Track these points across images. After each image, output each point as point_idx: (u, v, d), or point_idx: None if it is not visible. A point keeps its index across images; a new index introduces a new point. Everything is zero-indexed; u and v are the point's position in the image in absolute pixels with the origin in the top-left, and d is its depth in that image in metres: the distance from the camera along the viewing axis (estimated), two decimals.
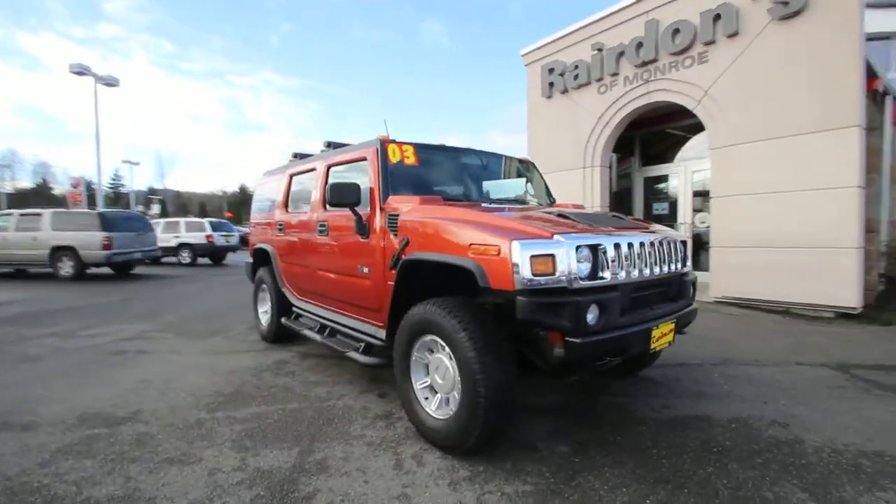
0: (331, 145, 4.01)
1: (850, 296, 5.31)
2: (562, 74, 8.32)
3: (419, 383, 2.66)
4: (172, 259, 15.41)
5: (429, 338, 2.54)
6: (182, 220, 16.09)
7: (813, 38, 5.38)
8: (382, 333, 3.00)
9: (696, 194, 8.05)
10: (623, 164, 9.41)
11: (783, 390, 3.27)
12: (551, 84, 8.53)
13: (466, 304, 2.42)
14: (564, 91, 8.34)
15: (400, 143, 3.25)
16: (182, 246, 15.26)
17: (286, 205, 4.47)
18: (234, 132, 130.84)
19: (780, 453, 2.40)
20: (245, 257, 5.63)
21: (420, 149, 3.34)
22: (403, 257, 2.69)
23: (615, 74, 7.51)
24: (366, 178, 3.22)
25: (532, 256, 2.08)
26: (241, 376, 3.76)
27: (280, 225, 4.44)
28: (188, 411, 3.06)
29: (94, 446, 2.58)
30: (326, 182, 3.72)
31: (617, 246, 2.34)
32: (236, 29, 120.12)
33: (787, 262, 5.64)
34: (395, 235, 2.80)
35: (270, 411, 3.04)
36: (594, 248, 2.25)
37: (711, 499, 2.02)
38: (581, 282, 2.18)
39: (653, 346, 2.46)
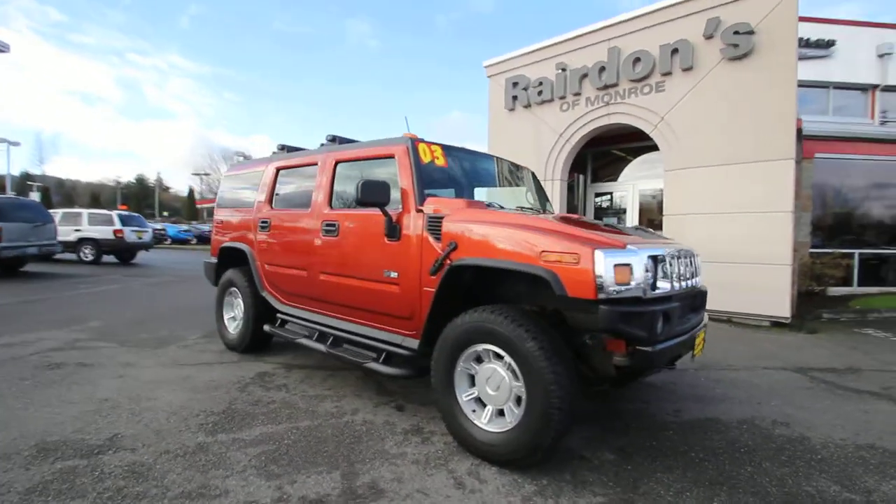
0: (335, 140, 3.73)
1: (784, 307, 6.06)
2: (525, 89, 8.60)
3: (465, 395, 2.53)
4: (70, 256, 13.38)
5: (481, 347, 2.43)
6: (84, 212, 14.03)
7: (757, 79, 6.11)
8: (413, 343, 2.81)
9: (642, 211, 8.73)
10: (570, 177, 9.94)
11: (766, 392, 3.61)
12: (515, 97, 8.78)
13: (526, 313, 2.35)
14: (528, 105, 8.62)
15: (429, 143, 3.11)
16: (84, 241, 13.29)
17: (271, 201, 4.06)
18: (131, 117, 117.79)
19: (797, 450, 2.63)
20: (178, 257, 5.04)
21: (445, 150, 3.22)
22: (450, 262, 2.55)
23: (577, 94, 7.92)
24: (385, 176, 3.03)
25: (616, 265, 2.08)
26: (226, 392, 3.32)
27: (263, 222, 4.02)
28: (180, 435, 2.63)
29: (76, 482, 2.11)
30: (333, 178, 3.45)
31: (672, 257, 2.42)
32: (136, 2, 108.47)
33: (730, 276, 6.29)
34: (438, 239, 2.66)
35: (282, 431, 2.71)
36: (655, 259, 2.31)
37: (765, 497, 2.15)
38: (651, 291, 2.22)
39: (695, 352, 2.58)
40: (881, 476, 2.35)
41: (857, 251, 8.86)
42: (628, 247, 2.19)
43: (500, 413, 2.42)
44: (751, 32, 6.08)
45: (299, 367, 3.98)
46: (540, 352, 2.17)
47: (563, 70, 8.04)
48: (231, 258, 4.59)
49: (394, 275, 2.88)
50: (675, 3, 6.69)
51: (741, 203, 6.31)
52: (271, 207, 4.04)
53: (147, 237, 14.19)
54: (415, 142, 3.03)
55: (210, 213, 47.93)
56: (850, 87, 12.20)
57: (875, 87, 12.33)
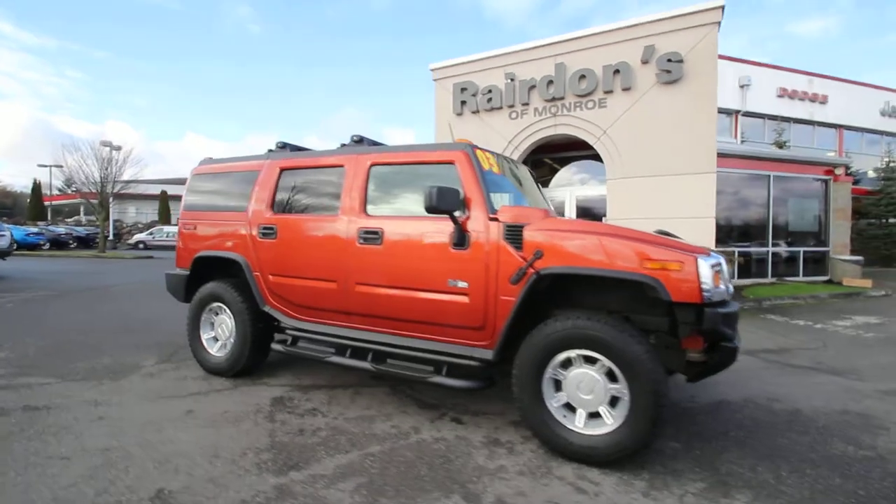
0: (363, 140, 3.48)
1: None
2: (474, 95, 8.82)
3: (554, 402, 2.57)
4: None
5: (574, 353, 2.50)
6: None
7: (685, 102, 7.06)
8: (486, 353, 2.77)
9: (579, 215, 9.50)
10: None
11: (740, 374, 4.22)
12: (463, 102, 8.95)
13: (623, 320, 2.48)
14: (476, 112, 8.85)
15: (483, 150, 3.09)
16: None
17: (272, 205, 3.64)
18: None
19: (801, 420, 3.14)
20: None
21: (495, 156, 3.22)
22: (536, 271, 2.57)
23: (526, 104, 8.36)
24: (437, 181, 2.94)
25: (715, 272, 2.31)
26: (254, 424, 2.92)
27: (266, 229, 3.59)
28: (244, 479, 2.27)
29: None
30: (367, 182, 3.23)
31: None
32: None
33: None
34: (519, 248, 2.66)
35: (358, 460, 2.48)
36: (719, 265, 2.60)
37: (814, 462, 2.55)
38: (728, 293, 2.50)
39: None
40: (871, 434, 2.94)
41: (736, 249, 10.68)
42: (712, 254, 2.44)
43: (593, 416, 2.52)
44: (680, 61, 7.01)
45: (314, 387, 3.64)
46: (646, 355, 2.31)
47: (512, 80, 8.42)
48: (210, 269, 4.01)
49: (462, 284, 2.80)
50: (616, 29, 7.43)
51: (673, 210, 7.23)
52: (273, 212, 3.62)
53: (4, 242, 11.50)
54: (473, 147, 2.99)
55: (63, 211, 40.26)
56: (719, 111, 14.64)
57: (737, 112, 15.04)
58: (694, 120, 7.01)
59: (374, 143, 3.51)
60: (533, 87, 8.23)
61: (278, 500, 2.10)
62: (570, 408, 2.57)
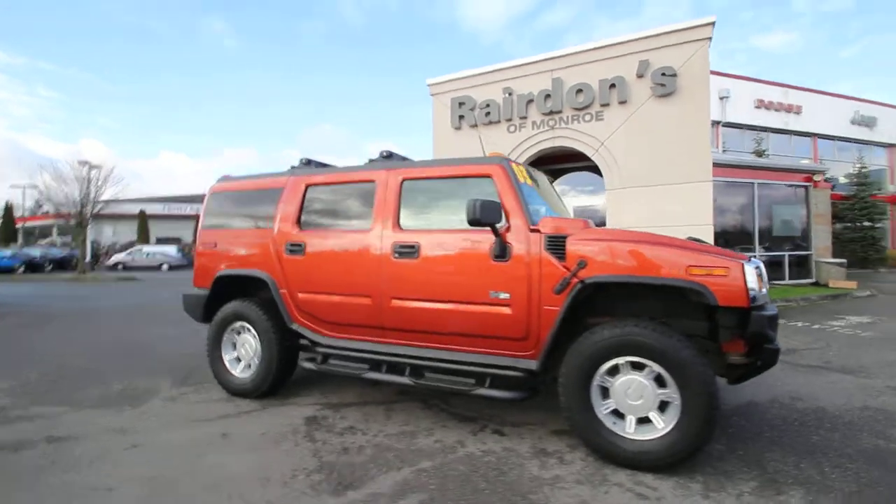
0: (392, 156, 3.51)
1: None
2: (472, 109, 8.96)
3: (603, 409, 2.60)
4: None
5: (622, 360, 2.54)
6: None
7: (680, 114, 7.31)
8: (530, 363, 2.79)
9: None
10: None
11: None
12: (461, 117, 9.07)
13: (665, 325, 2.54)
14: (474, 125, 8.98)
15: (516, 162, 3.15)
16: None
17: (299, 221, 3.63)
18: None
19: (828, 418, 3.24)
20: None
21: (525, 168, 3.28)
22: (580, 280, 2.62)
23: (524, 118, 8.53)
24: (474, 195, 2.99)
25: (758, 276, 2.39)
26: (294, 444, 2.87)
27: (294, 246, 3.56)
28: (301, 502, 2.22)
29: None
30: (400, 197, 3.25)
31: None
32: None
33: None
34: (561, 258, 2.70)
35: (412, 477, 2.46)
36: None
37: (851, 457, 2.62)
38: (767, 298, 2.59)
39: None
40: (895, 427, 3.05)
41: None
42: (752, 259, 2.53)
43: (642, 421, 2.55)
44: (674, 75, 7.28)
45: (344, 405, 3.59)
46: (697, 359, 2.37)
47: (510, 94, 8.59)
48: (231, 289, 3.95)
49: (504, 296, 2.83)
50: (611, 44, 7.67)
51: (671, 217, 7.42)
52: (301, 228, 3.61)
53: None
54: (508, 161, 3.04)
55: (34, 233, 38.87)
56: None
57: (718, 123, 15.61)
58: (689, 131, 7.26)
59: (403, 159, 3.54)
60: (531, 101, 8.41)
61: None
62: (618, 414, 2.60)
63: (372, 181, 3.39)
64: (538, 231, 2.79)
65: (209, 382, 4.16)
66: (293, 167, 3.92)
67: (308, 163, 3.87)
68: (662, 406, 2.50)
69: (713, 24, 7.10)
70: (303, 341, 3.66)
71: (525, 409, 3.39)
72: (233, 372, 3.85)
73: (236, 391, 3.77)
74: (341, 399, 3.71)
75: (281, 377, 3.70)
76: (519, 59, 8.48)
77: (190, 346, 5.74)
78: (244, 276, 3.82)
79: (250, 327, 3.77)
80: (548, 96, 8.21)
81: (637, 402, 2.53)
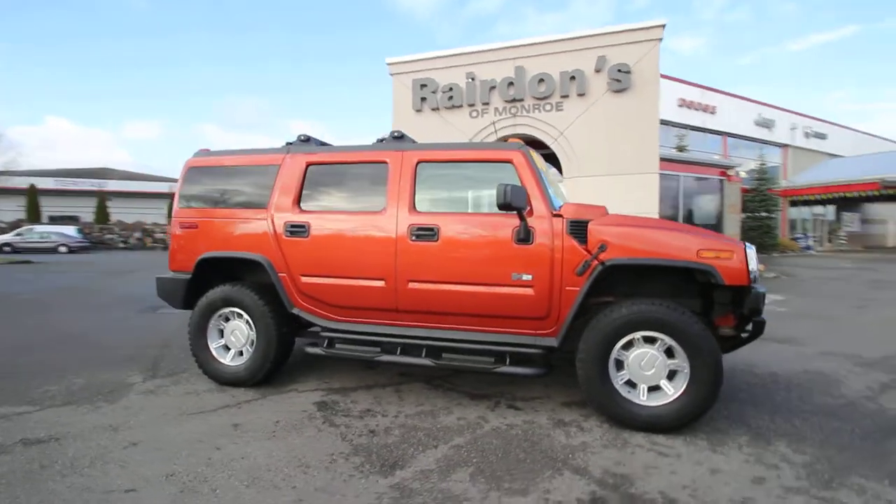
0: (403, 137, 3.44)
1: None
2: (434, 92, 8.90)
3: (619, 380, 2.83)
4: None
5: (639, 335, 2.78)
6: None
7: (633, 109, 7.84)
8: (550, 341, 2.95)
9: None
10: None
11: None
12: (423, 99, 8.98)
13: (675, 303, 2.81)
14: (436, 109, 8.94)
15: (531, 149, 3.24)
16: None
17: (299, 201, 3.46)
18: None
19: (784, 381, 3.77)
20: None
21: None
22: (601, 262, 2.81)
23: (487, 104, 8.65)
24: (493, 179, 3.07)
25: (757, 258, 2.72)
26: (316, 430, 2.81)
27: (295, 227, 3.39)
28: (351, 484, 2.22)
29: None
30: (415, 179, 3.23)
31: None
32: None
33: None
34: (583, 242, 2.87)
35: (451, 453, 2.52)
36: None
37: (828, 411, 3.11)
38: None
39: None
40: (834, 386, 3.62)
41: None
42: (746, 244, 2.87)
43: (652, 389, 2.82)
44: (629, 72, 7.77)
45: (349, 389, 3.54)
46: (705, 332, 2.66)
47: (473, 80, 8.65)
48: (213, 272, 3.69)
49: (527, 277, 2.94)
50: (572, 38, 7.99)
51: (623, 207, 7.96)
52: (300, 209, 3.44)
53: None
54: (528, 147, 3.13)
55: None
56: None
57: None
58: (640, 125, 7.82)
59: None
60: (493, 87, 8.54)
61: (405, 498, 2.09)
62: (630, 384, 2.85)
63: (384, 162, 3.31)
64: (561, 216, 2.93)
65: (185, 373, 3.89)
66: (289, 143, 3.70)
67: (307, 140, 3.67)
68: (671, 375, 2.78)
69: (664, 26, 7.65)
70: (313, 329, 3.52)
71: (528, 386, 3.57)
72: (222, 360, 3.61)
73: (227, 380, 3.56)
74: (343, 384, 3.65)
75: (277, 364, 3.55)
76: (482, 45, 8.55)
77: (132, 334, 5.32)
78: (235, 259, 3.58)
79: (242, 313, 3.55)
80: (511, 84, 8.39)
81: (649, 372, 2.79)
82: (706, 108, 19.26)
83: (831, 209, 24.17)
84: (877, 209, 25.35)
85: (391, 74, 9.28)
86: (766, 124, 21.45)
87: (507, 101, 8.52)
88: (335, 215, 3.37)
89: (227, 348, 3.66)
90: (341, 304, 3.35)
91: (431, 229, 3.12)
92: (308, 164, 3.49)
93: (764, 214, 18.95)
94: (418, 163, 3.25)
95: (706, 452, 2.54)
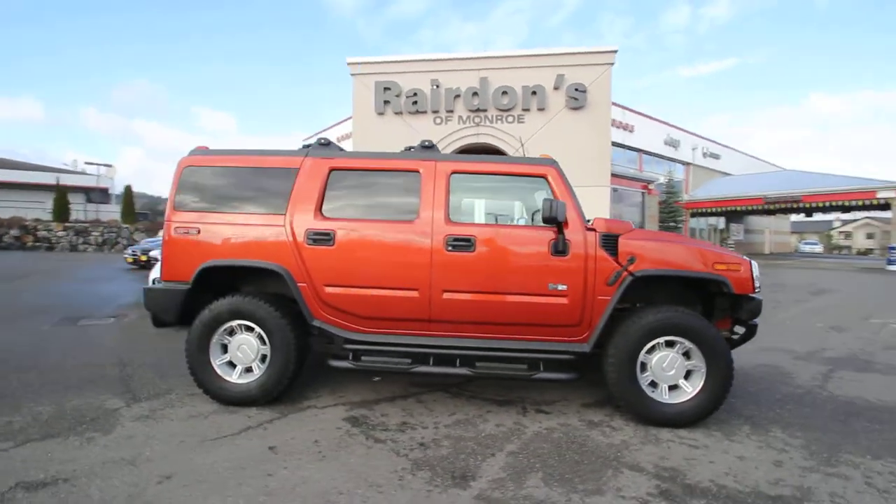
0: (433, 147, 3.43)
1: None
2: (398, 96, 8.85)
3: (644, 381, 3.10)
4: None
5: (663, 339, 3.07)
6: None
7: (588, 126, 8.45)
8: (583, 346, 3.14)
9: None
10: None
11: None
12: (386, 102, 8.89)
13: (691, 310, 3.14)
14: (400, 113, 8.90)
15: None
16: None
17: (321, 208, 3.32)
18: None
19: (749, 375, 4.34)
20: None
21: None
22: (630, 273, 3.06)
23: (451, 111, 8.79)
24: (525, 192, 3.22)
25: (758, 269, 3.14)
26: (365, 448, 2.73)
27: (319, 235, 3.24)
28: (433, 499, 2.21)
29: None
30: (448, 190, 3.26)
31: None
32: None
33: None
34: (614, 255, 3.10)
35: (511, 460, 2.60)
36: None
37: (796, 399, 3.64)
38: None
39: None
40: (790, 377, 4.25)
41: None
42: (750, 259, 3.29)
43: (671, 388, 3.12)
44: (584, 91, 8.37)
45: (371, 402, 3.45)
46: (719, 335, 3.02)
47: (438, 87, 8.74)
48: (211, 283, 3.41)
49: (562, 287, 3.11)
50: (534, 55, 8.43)
51: None
52: (323, 216, 3.30)
53: None
54: (557, 163, 3.31)
55: None
56: None
57: None
58: (594, 142, 8.46)
59: (434, 147, 3.52)
60: (458, 96, 8.70)
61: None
62: (652, 384, 3.13)
63: (416, 171, 3.29)
64: (594, 230, 3.14)
65: (171, 393, 3.55)
66: (307, 146, 3.51)
67: (327, 144, 3.51)
68: (688, 375, 3.11)
69: (616, 52, 8.36)
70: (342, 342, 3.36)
71: (543, 390, 3.74)
72: (228, 378, 3.33)
73: (235, 400, 3.28)
74: (362, 397, 3.54)
75: (293, 379, 3.35)
76: (447, 53, 8.68)
77: (68, 352, 4.76)
78: (246, 268, 3.33)
79: (253, 326, 3.31)
80: (475, 94, 8.62)
81: (670, 373, 3.09)
82: (626, 127, 21.19)
83: (722, 220, 27.80)
84: (757, 221, 29.66)
85: (352, 74, 9.06)
86: (674, 144, 24.16)
87: (471, 111, 8.74)
88: (364, 223, 3.28)
89: (231, 365, 3.38)
90: (370, 315, 3.26)
91: (468, 240, 3.17)
92: (331, 169, 3.35)
93: (672, 224, 21.28)
94: (452, 173, 3.28)
95: (725, 442, 2.88)
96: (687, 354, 3.08)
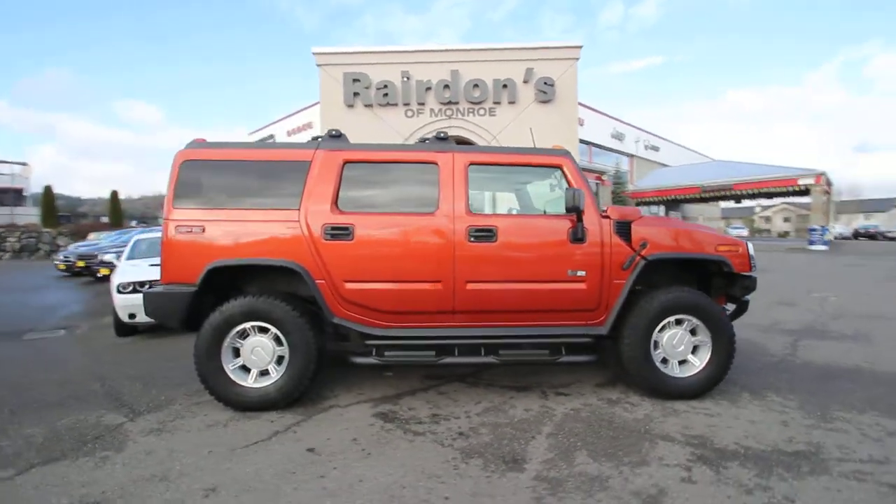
0: (447, 138, 3.41)
1: None
2: (367, 88, 8.67)
3: (656, 357, 3.30)
4: None
5: (673, 318, 3.28)
6: None
7: (556, 119, 8.72)
8: (601, 329, 3.28)
9: None
10: None
11: None
12: (356, 94, 8.68)
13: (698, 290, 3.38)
14: (370, 105, 8.73)
15: None
16: None
17: (336, 201, 3.22)
18: None
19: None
20: None
21: None
22: (643, 257, 3.24)
23: (422, 104, 8.75)
24: (540, 183, 3.32)
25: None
26: (407, 441, 2.73)
27: (337, 229, 3.15)
28: (497, 485, 2.26)
29: None
30: (467, 181, 3.28)
31: None
32: None
33: None
34: (628, 240, 3.26)
35: (553, 442, 2.70)
36: None
37: (778, 367, 4.00)
38: None
39: None
40: (765, 349, 4.67)
41: None
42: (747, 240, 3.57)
43: (681, 363, 3.35)
44: (553, 85, 8.62)
45: (392, 397, 3.42)
46: (724, 313, 3.28)
47: (408, 79, 8.65)
48: (220, 283, 3.24)
49: (581, 273, 3.23)
50: (504, 48, 8.55)
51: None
52: (339, 210, 3.21)
53: None
54: (570, 154, 3.41)
55: None
56: None
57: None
58: (563, 135, 8.74)
59: (464, 142, 3.52)
60: (429, 88, 8.67)
61: (557, 487, 2.21)
62: (664, 361, 3.34)
63: (433, 163, 3.28)
64: (608, 217, 3.28)
65: (174, 404, 3.37)
66: (317, 138, 3.39)
67: (339, 136, 3.40)
68: (694, 350, 3.34)
69: (580, 47, 8.65)
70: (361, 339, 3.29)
71: (554, 373, 3.87)
72: (243, 383, 3.17)
73: (252, 405, 3.14)
74: (383, 393, 3.50)
75: (313, 380, 3.25)
76: (418, 45, 8.64)
77: (26, 370, 4.40)
78: (250, 268, 3.18)
79: (269, 327, 3.17)
80: (446, 86, 8.62)
81: (679, 349, 3.31)
82: (578, 121, 22.02)
83: (663, 209, 29.66)
84: (692, 208, 31.88)
85: (318, 65, 8.74)
86: (619, 137, 25.39)
87: (442, 104, 8.74)
88: (384, 217, 3.22)
89: (244, 369, 3.22)
90: (392, 309, 3.23)
91: (490, 230, 3.21)
92: (345, 162, 3.26)
93: None
94: (469, 164, 3.29)
95: (734, 409, 3.13)
96: (694, 331, 3.31)
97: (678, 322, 3.30)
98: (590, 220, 3.25)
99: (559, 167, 3.34)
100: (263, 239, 3.17)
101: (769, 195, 23.06)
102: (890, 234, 32.45)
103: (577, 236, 3.21)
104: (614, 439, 2.69)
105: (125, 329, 5.80)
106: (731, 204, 32.30)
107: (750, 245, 3.44)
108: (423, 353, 3.24)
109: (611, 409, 3.14)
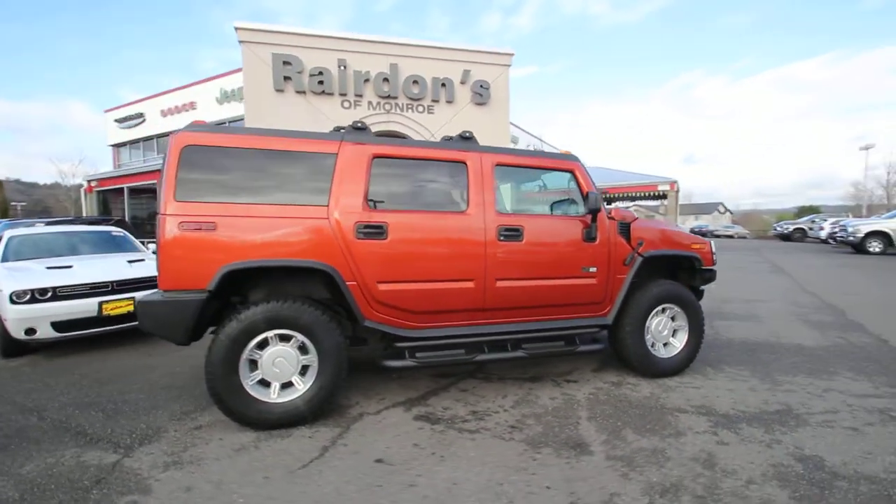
0: (472, 138, 3.43)
1: None
2: (300, 73, 8.07)
3: (649, 343, 3.77)
4: None
5: (660, 307, 3.78)
6: None
7: (491, 121, 9.11)
8: (607, 320, 3.63)
9: None
10: None
11: None
12: (287, 78, 8.02)
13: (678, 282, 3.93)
14: (303, 92, 8.14)
15: None
16: None
17: (366, 198, 3.06)
18: None
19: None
20: None
21: None
22: (642, 254, 3.67)
23: (360, 96, 8.43)
24: (552, 185, 3.57)
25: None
26: (468, 440, 2.75)
27: (370, 228, 3.00)
28: (580, 470, 2.43)
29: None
30: (494, 181, 3.37)
31: None
32: None
33: None
34: (628, 239, 3.66)
35: (594, 424, 2.95)
36: None
37: (752, 349, 4.81)
38: None
39: None
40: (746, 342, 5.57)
41: None
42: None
43: (664, 345, 3.88)
44: (488, 88, 8.98)
45: (417, 399, 3.37)
46: (697, 303, 3.88)
47: (345, 68, 8.26)
48: (246, 286, 2.88)
49: (592, 269, 3.54)
50: (443, 48, 8.65)
51: None
52: (371, 207, 3.05)
53: None
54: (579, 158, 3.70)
55: None
56: None
57: None
58: (496, 138, 9.16)
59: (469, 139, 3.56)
60: (367, 80, 8.39)
61: (630, 462, 2.45)
62: (652, 345, 3.84)
63: (462, 162, 3.29)
64: (613, 218, 3.64)
65: (169, 432, 2.91)
66: (340, 129, 3.13)
67: (363, 128, 3.18)
68: (675, 332, 3.90)
69: (513, 55, 9.16)
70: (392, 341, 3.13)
71: (555, 364, 4.15)
72: (266, 399, 2.84)
73: (277, 422, 2.84)
74: (406, 395, 3.41)
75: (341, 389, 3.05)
76: (356, 34, 8.24)
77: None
78: (266, 270, 2.86)
79: (293, 334, 2.88)
80: (385, 80, 8.44)
81: (664, 333, 3.84)
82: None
83: None
84: None
85: (241, 41, 7.87)
86: (514, 141, 27.24)
87: (381, 97, 8.53)
88: (417, 215, 3.14)
89: (263, 383, 2.88)
90: (425, 309, 3.17)
91: (517, 229, 3.34)
92: (374, 157, 3.09)
93: None
94: (496, 165, 3.38)
95: (709, 381, 3.73)
96: (674, 318, 3.86)
97: (663, 310, 3.82)
98: (600, 220, 3.58)
99: (572, 171, 3.61)
100: (288, 238, 2.87)
101: (633, 199, 26.84)
102: (717, 233, 40.08)
103: (591, 235, 3.51)
104: (643, 417, 3.04)
105: (15, 347, 4.65)
106: None
107: (712, 243, 4.12)
108: (454, 352, 3.25)
109: (620, 391, 3.51)
